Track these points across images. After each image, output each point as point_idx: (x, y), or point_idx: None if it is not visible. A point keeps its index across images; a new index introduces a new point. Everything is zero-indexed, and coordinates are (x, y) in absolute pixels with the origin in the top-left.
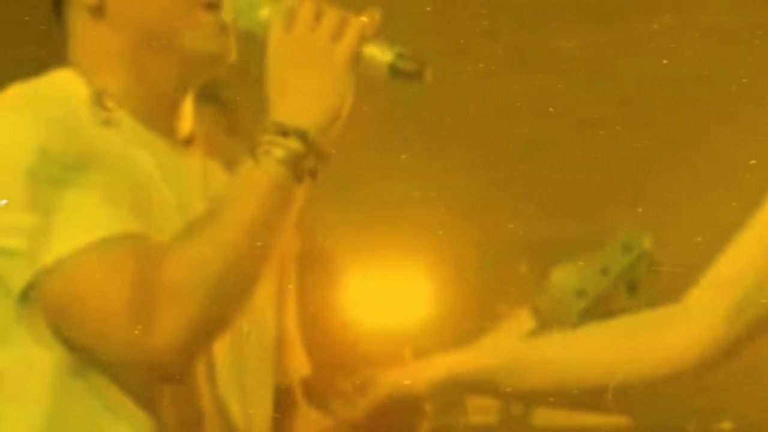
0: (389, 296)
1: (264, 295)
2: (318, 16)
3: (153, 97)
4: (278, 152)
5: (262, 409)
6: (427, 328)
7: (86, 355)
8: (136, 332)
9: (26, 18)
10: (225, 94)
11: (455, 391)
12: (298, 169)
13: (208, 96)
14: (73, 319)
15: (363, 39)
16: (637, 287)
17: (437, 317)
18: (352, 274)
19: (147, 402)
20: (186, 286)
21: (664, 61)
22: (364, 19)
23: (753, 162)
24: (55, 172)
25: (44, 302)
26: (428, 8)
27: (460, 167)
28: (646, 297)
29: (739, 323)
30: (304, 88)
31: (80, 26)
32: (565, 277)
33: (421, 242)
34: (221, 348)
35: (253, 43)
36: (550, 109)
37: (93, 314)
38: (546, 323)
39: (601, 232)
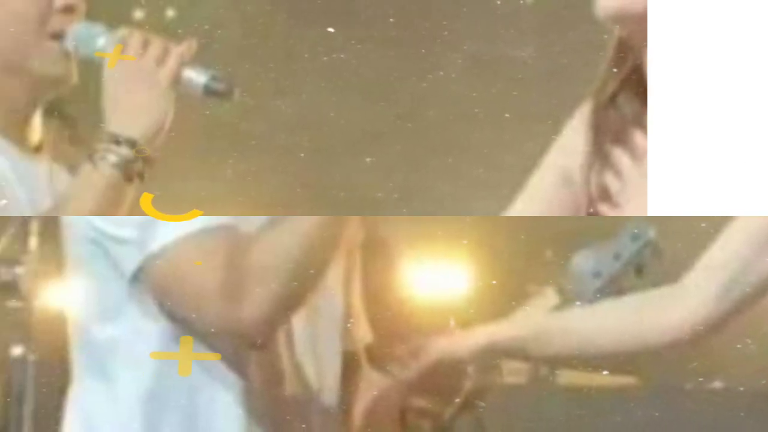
0: (438, 277)
1: (334, 276)
2: (145, 44)
3: (7, 112)
4: (112, 158)
5: (332, 371)
6: (469, 303)
7: (186, 326)
8: (228, 307)
9: None
10: (68, 110)
11: (492, 356)
12: (128, 171)
13: (54, 111)
14: (175, 297)
15: (183, 63)
16: (643, 270)
17: (478, 295)
18: (408, 258)
19: (236, 365)
20: (269, 269)
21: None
22: (183, 47)
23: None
24: None
25: (151, 282)
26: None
27: None
28: (651, 278)
29: (727, 301)
30: (134, 105)
31: None
32: (583, 261)
33: (464, 233)
34: (299, 320)
35: (92, 67)
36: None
37: (191, 292)
38: (568, 300)
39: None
